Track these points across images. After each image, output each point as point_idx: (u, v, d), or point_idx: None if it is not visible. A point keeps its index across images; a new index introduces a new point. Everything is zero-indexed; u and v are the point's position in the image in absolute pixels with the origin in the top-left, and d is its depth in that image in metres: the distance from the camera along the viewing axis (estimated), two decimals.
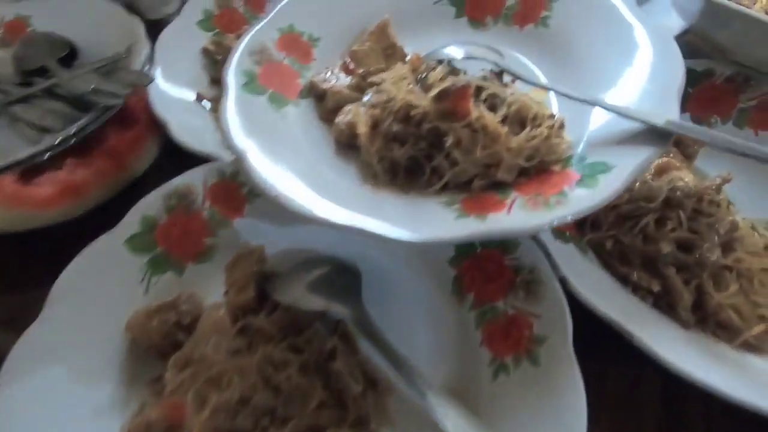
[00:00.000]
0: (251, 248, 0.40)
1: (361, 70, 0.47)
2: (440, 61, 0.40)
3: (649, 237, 0.37)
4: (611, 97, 0.37)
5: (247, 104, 0.39)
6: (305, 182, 0.34)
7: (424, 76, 0.38)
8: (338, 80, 0.46)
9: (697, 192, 0.38)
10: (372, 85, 0.44)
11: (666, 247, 0.35)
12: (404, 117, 0.35)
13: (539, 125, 0.36)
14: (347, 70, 0.46)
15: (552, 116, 0.37)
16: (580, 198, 0.30)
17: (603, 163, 0.32)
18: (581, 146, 0.36)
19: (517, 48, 0.48)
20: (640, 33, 0.39)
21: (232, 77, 0.41)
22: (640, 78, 0.36)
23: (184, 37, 0.60)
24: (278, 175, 0.34)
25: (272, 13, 0.48)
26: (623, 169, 0.30)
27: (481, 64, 0.43)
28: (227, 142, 0.36)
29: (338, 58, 0.49)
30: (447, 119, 0.35)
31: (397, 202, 0.34)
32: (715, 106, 0.50)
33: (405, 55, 0.48)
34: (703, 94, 0.50)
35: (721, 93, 0.50)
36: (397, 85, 0.38)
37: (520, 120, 0.36)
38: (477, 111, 0.35)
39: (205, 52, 0.60)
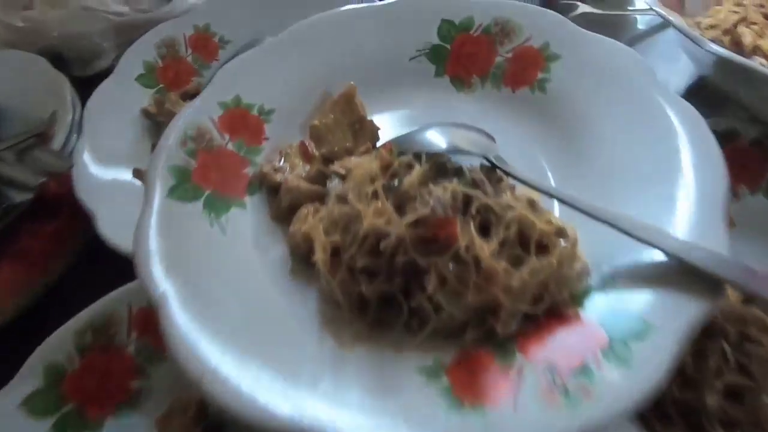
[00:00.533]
0: (188, 398, 0.31)
1: (323, 150, 0.39)
2: (417, 156, 0.32)
3: (688, 378, 0.29)
4: (632, 203, 0.29)
5: (174, 219, 0.30)
6: (242, 347, 0.25)
7: (396, 183, 0.29)
8: (295, 168, 0.37)
9: (742, 314, 0.31)
10: (335, 175, 0.35)
11: (711, 400, 0.28)
12: (372, 248, 0.27)
13: (546, 249, 0.28)
14: (306, 154, 0.38)
15: (562, 232, 0.28)
16: (611, 386, 0.21)
17: (633, 316, 0.24)
18: (597, 271, 0.28)
19: (511, 116, 0.39)
20: (670, 120, 0.30)
21: (155, 181, 0.32)
22: (670, 184, 0.28)
23: (121, 97, 0.50)
24: (205, 340, 0.25)
25: (212, 83, 0.39)
26: (664, 339, 0.22)
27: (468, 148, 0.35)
28: (141, 282, 0.27)
29: (297, 132, 0.40)
30: (427, 250, 0.27)
31: (366, 372, 0.25)
32: (742, 174, 0.42)
33: (376, 131, 0.39)
34: (729, 159, 0.42)
35: (748, 158, 0.42)
36: (362, 193, 0.29)
37: (521, 241, 0.28)
38: (466, 236, 0.26)
39: (146, 114, 0.50)
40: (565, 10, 0.61)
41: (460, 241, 0.26)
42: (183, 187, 0.32)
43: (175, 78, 0.53)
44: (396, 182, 0.29)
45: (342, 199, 0.31)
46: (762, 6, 0.47)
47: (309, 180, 0.36)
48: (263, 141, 0.38)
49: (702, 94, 0.48)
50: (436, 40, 0.42)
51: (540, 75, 0.39)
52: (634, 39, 0.60)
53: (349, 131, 0.39)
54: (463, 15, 0.42)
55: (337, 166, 0.35)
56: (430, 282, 0.26)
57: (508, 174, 0.31)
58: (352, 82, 0.39)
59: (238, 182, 0.35)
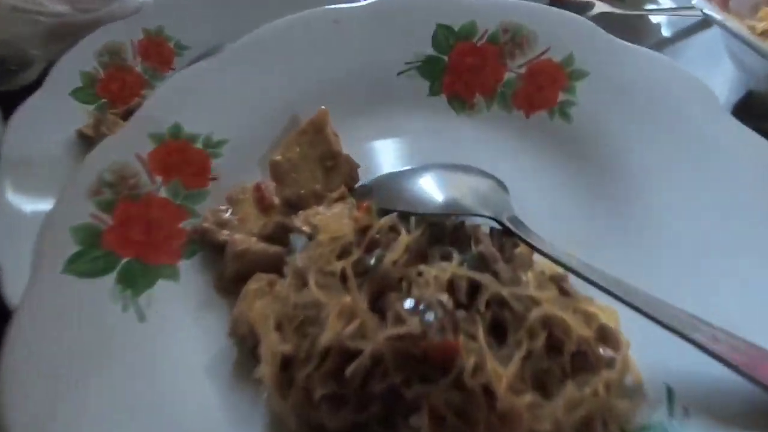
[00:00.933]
0: None
1: (287, 192, 0.30)
2: (404, 215, 0.23)
3: None
4: (700, 290, 0.21)
5: (68, 307, 0.22)
6: None
7: (374, 261, 0.21)
8: (246, 221, 0.29)
9: None
10: (299, 232, 0.27)
11: None
12: (336, 368, 0.19)
13: (584, 358, 0.19)
14: (261, 202, 0.29)
15: (606, 334, 0.20)
16: None
17: None
18: (658, 392, 0.20)
19: (523, 148, 0.30)
20: (746, 166, 0.22)
21: (47, 251, 0.23)
22: (757, 265, 0.20)
23: (52, 116, 0.41)
24: None
25: (143, 108, 0.30)
26: None
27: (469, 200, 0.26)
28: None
29: (256, 169, 0.31)
30: (416, 372, 0.18)
31: None
32: None
33: (354, 168, 0.30)
34: None
35: None
36: (326, 273, 0.21)
37: (550, 343, 0.20)
38: (473, 350, 0.18)
39: (82, 136, 0.41)
40: (580, 10, 0.52)
41: (463, 360, 0.18)
42: (89, 255, 0.24)
43: (120, 92, 0.44)
44: (374, 260, 0.21)
45: (301, 277, 0.22)
46: None
47: (265, 238, 0.28)
48: (208, 182, 0.29)
49: (752, 113, 0.40)
50: (430, 50, 0.33)
51: (562, 96, 0.31)
52: (660, 44, 0.52)
53: (319, 169, 0.30)
54: (463, 19, 0.33)
55: (300, 220, 0.27)
56: (421, 422, 0.18)
57: (527, 245, 0.22)
58: (323, 107, 0.30)
59: (171, 242, 0.26)
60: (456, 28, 0.33)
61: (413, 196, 0.24)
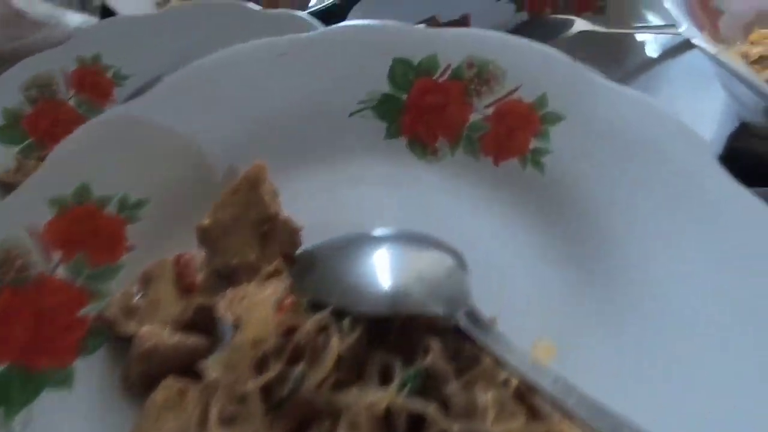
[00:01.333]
0: None
1: (217, 261, 0.25)
2: (339, 314, 0.19)
3: None
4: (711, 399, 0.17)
5: None
6: None
7: (293, 385, 0.16)
8: (160, 306, 0.24)
9: None
10: (220, 318, 0.22)
11: None
12: None
13: None
14: (182, 280, 0.24)
15: None
16: None
17: None
18: None
19: (491, 199, 0.26)
20: (750, 232, 0.18)
21: None
22: None
23: None
24: None
25: (43, 167, 0.25)
26: None
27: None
28: None
29: (186, 236, 0.26)
30: None
31: None
32: None
33: (294, 233, 0.25)
34: None
35: None
36: (234, 397, 0.16)
37: None
38: None
39: (2, 184, 0.37)
40: (558, 29, 0.48)
41: None
42: None
43: (51, 129, 0.38)
44: (293, 382, 0.16)
45: (210, 392, 0.18)
46: None
47: (183, 325, 0.23)
48: (122, 254, 0.24)
49: (747, 146, 0.36)
50: (386, 88, 0.29)
51: (534, 143, 0.26)
52: (643, 65, 0.48)
53: (254, 234, 0.26)
54: (423, 52, 0.28)
55: (225, 305, 0.22)
56: None
57: (488, 354, 0.18)
58: (259, 161, 0.26)
59: (65, 337, 0.21)
60: (415, 63, 0.29)
61: (353, 285, 0.19)
